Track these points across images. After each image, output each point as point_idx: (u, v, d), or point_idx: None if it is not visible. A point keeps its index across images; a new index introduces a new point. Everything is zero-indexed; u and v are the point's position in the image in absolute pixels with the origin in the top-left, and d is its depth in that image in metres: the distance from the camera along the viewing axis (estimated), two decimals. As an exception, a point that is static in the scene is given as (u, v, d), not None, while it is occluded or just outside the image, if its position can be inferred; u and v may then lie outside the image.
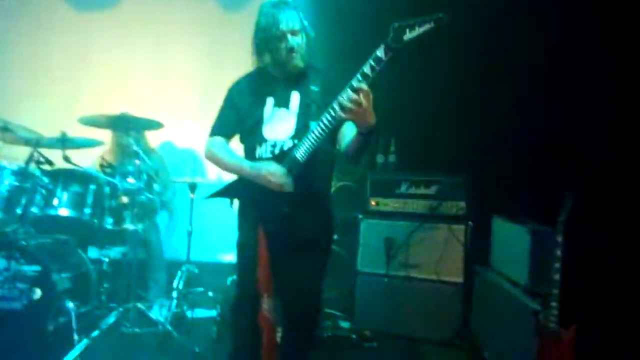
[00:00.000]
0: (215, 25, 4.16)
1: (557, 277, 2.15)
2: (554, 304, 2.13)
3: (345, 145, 1.98)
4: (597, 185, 2.37)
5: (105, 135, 3.44)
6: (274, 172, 1.88)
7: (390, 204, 3.40)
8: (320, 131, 1.83)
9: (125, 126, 2.98)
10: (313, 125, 1.90)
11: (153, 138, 3.79)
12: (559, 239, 2.17)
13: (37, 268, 2.62)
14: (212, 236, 3.89)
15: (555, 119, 2.85)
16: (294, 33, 1.95)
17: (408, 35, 1.67)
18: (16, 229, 2.76)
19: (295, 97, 2.02)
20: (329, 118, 1.81)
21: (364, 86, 1.69)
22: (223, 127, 2.11)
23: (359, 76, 1.74)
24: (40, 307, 2.60)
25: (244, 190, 2.02)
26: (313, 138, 1.84)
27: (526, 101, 3.06)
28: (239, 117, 2.08)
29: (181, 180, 3.43)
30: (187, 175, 3.43)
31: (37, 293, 2.61)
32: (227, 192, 2.08)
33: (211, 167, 3.94)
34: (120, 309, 2.87)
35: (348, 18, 3.57)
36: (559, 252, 2.16)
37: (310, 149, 1.86)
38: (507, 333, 2.63)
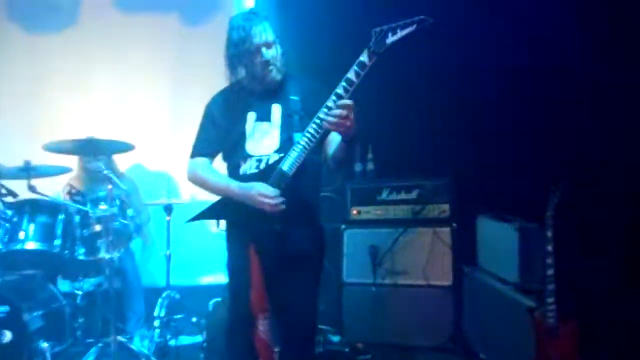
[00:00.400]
0: (177, 40, 4.04)
1: (550, 272, 2.16)
2: (550, 299, 2.13)
3: (331, 154, 1.95)
4: (583, 177, 2.40)
5: (71, 161, 3.26)
6: (265, 193, 1.81)
7: (372, 212, 3.38)
8: (307, 142, 1.81)
9: (94, 150, 2.81)
10: (297, 136, 1.86)
11: (120, 161, 3.63)
12: (549, 234, 2.19)
13: (5, 309, 2.44)
14: (189, 259, 3.75)
15: (537, 112, 2.88)
16: (267, 45, 1.90)
17: (391, 39, 1.69)
18: (-21, 268, 2.56)
19: (276, 109, 1.98)
20: (316, 128, 1.79)
21: (347, 101, 1.70)
22: (205, 147, 2.03)
23: (344, 83, 1.75)
24: (11, 351, 2.42)
25: (230, 209, 1.94)
26: (300, 150, 1.81)
27: (504, 99, 3.08)
28: (220, 135, 2.02)
29: (156, 202, 3.29)
30: (161, 197, 3.28)
31: (7, 336, 2.43)
32: (211, 213, 1.98)
33: (184, 187, 3.82)
34: (100, 344, 2.69)
35: (321, 23, 3.55)
36: (550, 248, 2.18)
37: (297, 161, 1.82)
38: (502, 332, 2.63)
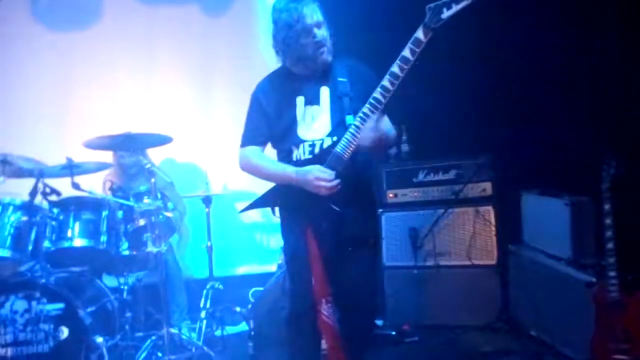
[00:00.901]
0: (199, 30, 4.01)
1: (610, 245, 2.11)
2: (612, 273, 2.09)
3: None
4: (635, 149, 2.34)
5: (105, 157, 3.26)
6: (322, 176, 1.80)
7: (409, 194, 3.34)
8: (362, 124, 1.78)
9: (133, 145, 2.81)
10: (349, 118, 1.86)
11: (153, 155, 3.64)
12: (607, 206, 2.14)
13: (60, 305, 2.46)
14: (224, 250, 3.76)
15: (580, 87, 2.81)
16: (318, 26, 1.87)
17: (446, 13, 1.68)
18: (32, 266, 2.58)
19: (325, 92, 1.95)
20: (370, 109, 1.78)
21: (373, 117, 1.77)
22: (255, 136, 2.01)
23: (399, 61, 1.74)
24: (69, 347, 2.44)
25: (286, 195, 1.93)
26: (354, 132, 1.79)
27: (546, 70, 3.00)
28: (269, 122, 1.98)
29: (194, 194, 3.29)
30: (197, 189, 3.28)
31: (64, 332, 2.45)
32: (265, 201, 1.99)
33: (217, 179, 3.81)
34: (153, 337, 2.70)
35: (368, 2, 3.46)
36: (609, 221, 2.13)
37: (352, 144, 1.80)
38: (554, 308, 2.60)
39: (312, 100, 1.94)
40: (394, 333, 3.07)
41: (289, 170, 1.88)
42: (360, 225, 1.94)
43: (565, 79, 2.88)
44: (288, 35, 1.87)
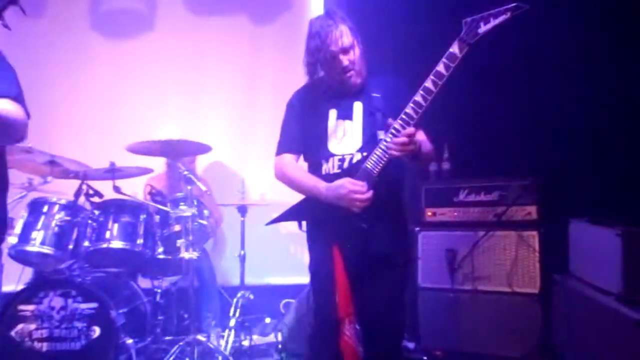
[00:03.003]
0: (247, 40, 4.09)
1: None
2: (666, 313, 1.91)
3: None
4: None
5: (152, 162, 3.35)
6: (354, 188, 1.77)
7: (448, 214, 3.22)
8: (392, 140, 1.74)
9: (174, 152, 2.87)
10: (381, 134, 1.83)
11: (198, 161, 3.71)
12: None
13: (94, 305, 2.53)
14: (259, 259, 3.76)
15: (636, 107, 2.63)
16: (344, 51, 1.85)
17: (483, 28, 1.64)
18: (70, 265, 2.67)
19: (358, 107, 1.93)
20: (401, 124, 1.74)
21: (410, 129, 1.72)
22: (290, 144, 2.00)
23: (432, 76, 1.70)
24: (99, 346, 2.50)
25: (314, 210, 1.91)
26: (385, 148, 1.76)
27: (599, 92, 2.84)
28: (302, 132, 1.99)
29: (230, 204, 3.32)
30: (234, 198, 3.31)
31: (96, 331, 2.51)
32: (293, 214, 1.97)
33: (256, 188, 3.84)
34: (181, 343, 2.73)
35: (403, 17, 3.42)
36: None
37: (383, 160, 1.78)
38: (599, 346, 2.40)
39: (345, 114, 1.93)
40: (425, 358, 2.95)
41: (321, 185, 1.86)
42: (389, 244, 1.89)
43: (622, 102, 2.70)
44: (313, 60, 1.89)
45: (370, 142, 1.86)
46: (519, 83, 3.22)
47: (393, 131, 1.74)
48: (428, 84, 1.70)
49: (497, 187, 3.09)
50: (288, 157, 1.99)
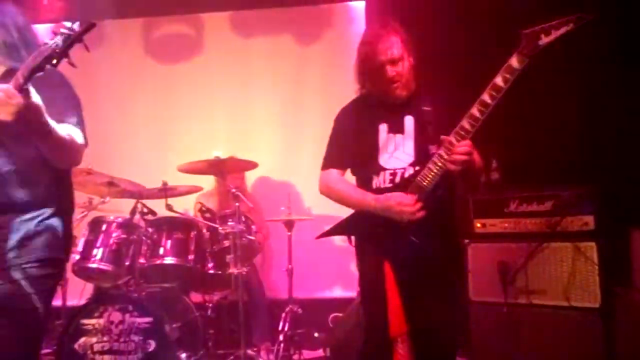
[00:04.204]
0: (292, 59, 4.18)
1: None
2: None
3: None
4: None
5: (202, 180, 3.48)
6: (404, 201, 1.76)
7: (499, 225, 3.11)
8: (446, 154, 1.73)
9: (221, 169, 2.97)
10: (434, 148, 1.80)
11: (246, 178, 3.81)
12: None
13: (149, 319, 2.63)
14: (308, 273, 3.79)
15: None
16: (393, 63, 1.84)
17: (544, 40, 1.59)
18: (127, 280, 2.80)
19: (409, 121, 1.92)
20: (457, 138, 1.72)
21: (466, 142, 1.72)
22: (338, 159, 2.00)
23: (490, 90, 1.67)
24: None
25: (364, 224, 1.89)
26: (439, 163, 1.74)
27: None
28: (351, 147, 1.98)
29: (277, 219, 3.37)
30: (281, 213, 3.37)
31: (152, 345, 2.61)
32: (342, 229, 1.97)
33: (303, 203, 3.88)
34: (231, 357, 2.79)
35: (457, 30, 3.39)
36: None
37: (436, 174, 1.76)
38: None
39: (396, 128, 1.92)
40: (478, 375, 2.85)
41: (369, 198, 1.85)
42: (441, 260, 1.84)
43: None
44: (362, 69, 1.90)
45: (422, 155, 1.84)
46: (573, 86, 3.09)
47: (448, 145, 1.72)
48: (485, 97, 1.67)
49: (550, 196, 2.95)
50: (334, 172, 1.98)
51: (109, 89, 4.05)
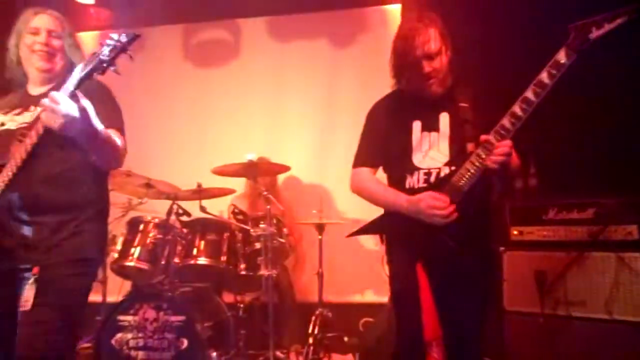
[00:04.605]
0: (327, 63, 4.19)
1: None
2: None
3: None
4: None
5: (235, 182, 3.54)
6: (434, 203, 1.69)
7: (537, 233, 3.01)
8: (486, 154, 1.64)
9: (254, 172, 3.01)
10: (471, 147, 1.72)
11: (279, 181, 3.85)
12: None
13: (182, 318, 2.69)
14: (340, 277, 3.79)
15: None
16: (430, 58, 1.76)
17: (595, 34, 1.51)
18: (162, 279, 2.88)
19: (444, 118, 1.83)
20: (497, 137, 1.63)
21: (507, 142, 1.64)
22: (368, 157, 1.94)
23: (534, 86, 1.58)
24: (188, 357, 2.65)
25: (396, 224, 1.82)
26: (477, 162, 1.66)
27: None
28: (383, 145, 1.91)
29: (308, 222, 3.39)
30: (313, 216, 3.38)
31: (184, 343, 2.67)
32: (374, 228, 1.91)
33: (335, 206, 3.88)
34: (261, 358, 2.81)
35: (497, 23, 3.29)
36: None
37: (473, 175, 1.67)
38: None
39: (430, 126, 1.84)
40: (512, 387, 2.76)
41: (401, 199, 1.79)
42: (476, 264, 1.77)
43: None
44: (398, 63, 1.83)
45: (458, 155, 1.76)
46: (618, 90, 2.95)
47: (487, 145, 1.64)
48: (528, 94, 1.58)
49: (592, 204, 2.84)
50: (365, 171, 1.93)
51: (148, 93, 4.18)
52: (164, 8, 4.02)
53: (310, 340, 3.15)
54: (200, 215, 3.04)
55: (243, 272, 3.05)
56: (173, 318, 2.66)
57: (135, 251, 2.92)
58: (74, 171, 1.68)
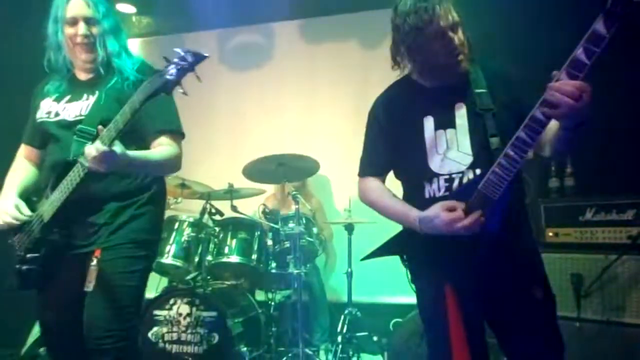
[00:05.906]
0: (358, 64, 4.21)
1: None
2: None
3: (551, 150, 1.46)
4: None
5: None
6: (451, 217, 1.40)
7: (573, 234, 2.92)
8: (520, 153, 1.33)
9: (284, 173, 3.07)
10: (495, 141, 1.45)
11: (309, 181, 3.89)
12: None
13: (214, 314, 2.78)
14: (371, 277, 3.79)
15: None
16: (454, 29, 1.47)
17: None
18: (195, 276, 2.98)
19: (461, 110, 1.54)
20: (529, 134, 1.31)
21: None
22: (375, 165, 1.69)
23: (569, 66, 1.24)
24: (218, 352, 2.74)
25: (413, 245, 1.55)
26: (507, 164, 1.35)
27: None
28: (390, 148, 1.64)
29: (338, 222, 3.42)
30: (343, 216, 3.41)
31: (215, 338, 2.76)
32: (391, 249, 1.64)
33: (362, 207, 3.88)
34: (290, 354, 2.87)
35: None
36: None
37: (505, 179, 1.36)
38: None
39: (445, 121, 1.54)
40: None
41: (412, 216, 1.51)
42: (520, 275, 1.49)
43: None
44: (416, 41, 1.49)
45: (482, 153, 1.48)
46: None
47: (517, 143, 1.33)
48: (562, 76, 1.24)
49: (632, 205, 2.73)
50: (372, 181, 1.69)
51: (183, 97, 4.31)
52: (202, 15, 4.14)
53: (339, 339, 3.17)
54: (232, 215, 3.12)
55: (274, 271, 3.12)
56: (205, 314, 2.76)
57: (171, 249, 3.03)
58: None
